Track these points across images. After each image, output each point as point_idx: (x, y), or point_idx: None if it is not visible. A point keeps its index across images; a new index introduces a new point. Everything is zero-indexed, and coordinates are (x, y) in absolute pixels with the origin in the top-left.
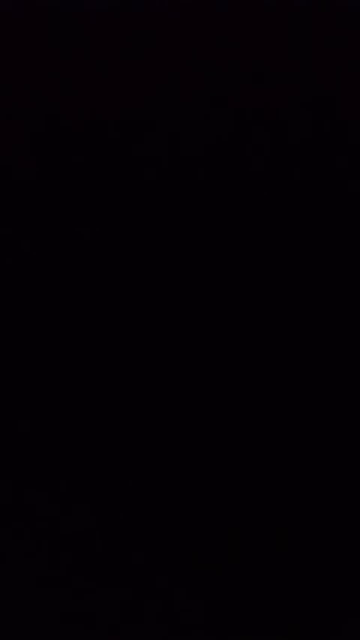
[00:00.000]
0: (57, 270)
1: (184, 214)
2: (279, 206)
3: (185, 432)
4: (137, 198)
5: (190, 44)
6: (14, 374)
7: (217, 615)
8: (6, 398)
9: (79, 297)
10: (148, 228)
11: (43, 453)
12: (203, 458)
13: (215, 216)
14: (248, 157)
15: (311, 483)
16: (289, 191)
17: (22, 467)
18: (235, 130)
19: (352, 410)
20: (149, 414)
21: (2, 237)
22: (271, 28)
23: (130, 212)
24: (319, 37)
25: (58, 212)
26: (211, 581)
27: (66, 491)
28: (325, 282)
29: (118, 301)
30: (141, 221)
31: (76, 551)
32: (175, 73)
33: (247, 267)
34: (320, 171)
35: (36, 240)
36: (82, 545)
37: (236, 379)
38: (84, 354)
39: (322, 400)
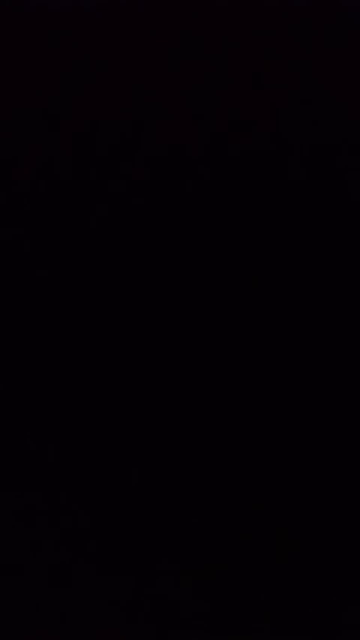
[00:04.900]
0: (57, 271)
1: (183, 215)
2: (279, 208)
3: (185, 431)
4: (136, 199)
5: (190, 44)
6: (14, 374)
7: (217, 615)
8: (6, 397)
9: (80, 298)
10: (148, 230)
11: (43, 452)
12: (203, 458)
13: (215, 217)
14: (247, 158)
15: (311, 483)
16: (289, 192)
17: (22, 465)
18: (235, 131)
19: (352, 410)
20: (149, 413)
21: (2, 237)
22: (271, 28)
23: (129, 213)
24: (319, 37)
25: (58, 212)
26: (210, 582)
27: (66, 491)
28: (325, 282)
29: (118, 302)
30: (140, 222)
31: (76, 551)
32: (175, 72)
33: (248, 269)
34: (320, 171)
35: (36, 239)
36: (81, 545)
37: (236, 379)
38: (84, 354)
39: (322, 400)
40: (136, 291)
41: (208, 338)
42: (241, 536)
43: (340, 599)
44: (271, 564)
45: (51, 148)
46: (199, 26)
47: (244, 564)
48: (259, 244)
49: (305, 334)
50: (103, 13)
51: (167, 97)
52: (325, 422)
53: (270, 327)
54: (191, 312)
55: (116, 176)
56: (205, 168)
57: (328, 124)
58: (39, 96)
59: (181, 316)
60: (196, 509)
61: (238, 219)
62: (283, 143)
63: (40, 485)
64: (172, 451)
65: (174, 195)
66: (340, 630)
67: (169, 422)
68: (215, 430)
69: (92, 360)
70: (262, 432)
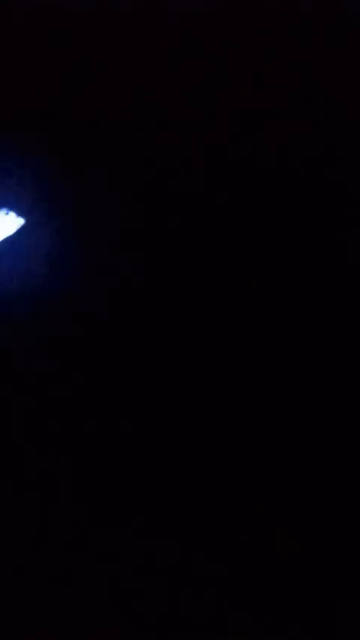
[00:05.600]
0: (57, 270)
1: (183, 214)
2: (279, 207)
3: (185, 431)
4: (136, 199)
5: (190, 44)
6: (14, 374)
7: (217, 615)
8: (6, 397)
9: (80, 298)
10: (148, 230)
11: (43, 452)
12: (203, 458)
13: (215, 216)
14: (247, 158)
15: (311, 483)
16: (289, 192)
17: (22, 465)
18: (235, 131)
19: (352, 410)
20: (150, 413)
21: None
22: (271, 28)
23: (129, 213)
24: (319, 37)
25: (58, 212)
26: (210, 582)
27: (66, 491)
28: (325, 281)
29: (119, 303)
30: (140, 222)
31: (76, 551)
32: (175, 72)
33: (248, 268)
34: (320, 171)
35: (36, 239)
36: (81, 544)
37: (236, 377)
38: (84, 353)
39: (322, 400)
40: (136, 292)
41: (209, 338)
42: (242, 536)
43: (339, 598)
44: (271, 564)
45: (52, 148)
46: (199, 26)
47: (244, 564)
48: (259, 243)
49: (305, 334)
50: (103, 13)
51: (167, 97)
52: (325, 421)
53: (270, 328)
54: (192, 311)
55: (116, 176)
56: (206, 167)
57: (328, 124)
58: (39, 96)
59: (182, 316)
60: (197, 509)
61: (237, 219)
62: (283, 143)
63: (40, 485)
64: (172, 452)
65: (174, 194)
66: (340, 630)
67: (169, 422)
68: (214, 431)
69: (93, 358)
70: (261, 431)
